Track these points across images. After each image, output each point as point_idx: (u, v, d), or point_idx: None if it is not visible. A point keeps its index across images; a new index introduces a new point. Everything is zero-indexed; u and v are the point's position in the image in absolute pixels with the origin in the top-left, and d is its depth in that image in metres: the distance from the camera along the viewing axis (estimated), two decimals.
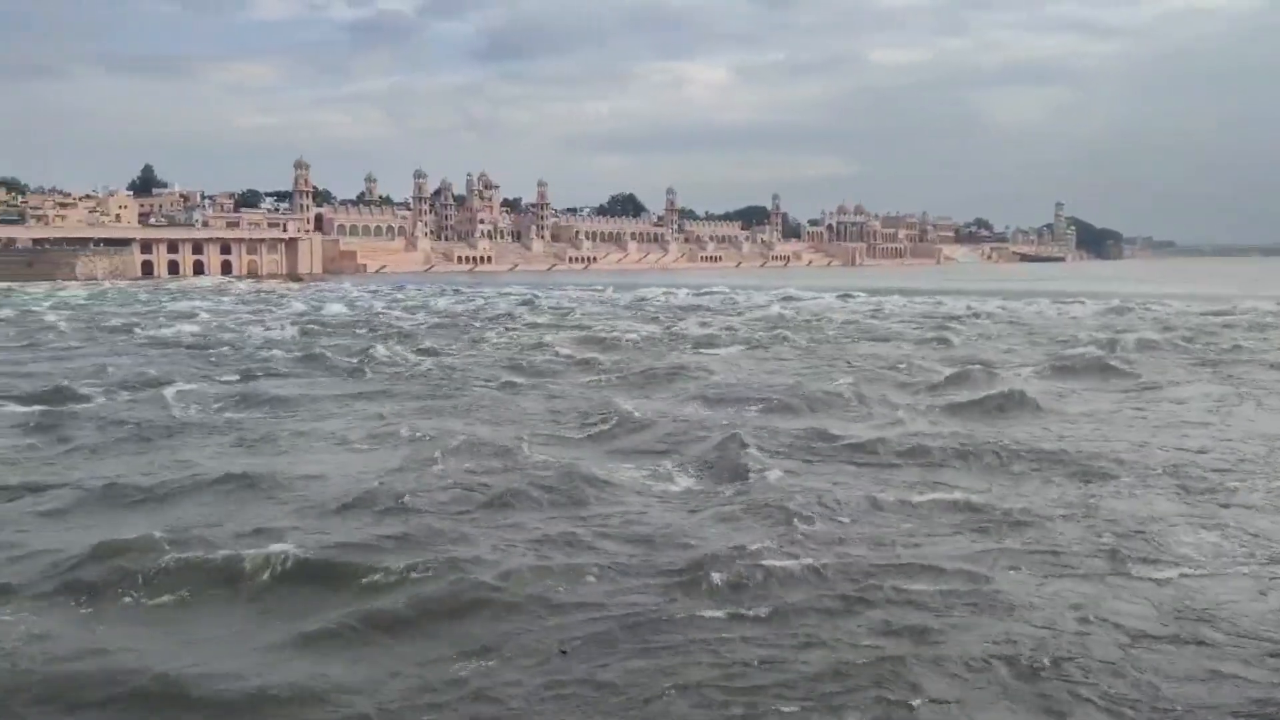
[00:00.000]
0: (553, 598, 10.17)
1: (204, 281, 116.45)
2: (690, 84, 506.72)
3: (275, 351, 35.12)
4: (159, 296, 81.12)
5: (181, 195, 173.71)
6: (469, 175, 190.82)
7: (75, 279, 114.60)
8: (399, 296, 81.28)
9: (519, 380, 27.51)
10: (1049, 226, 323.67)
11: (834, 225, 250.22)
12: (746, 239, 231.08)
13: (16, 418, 20.83)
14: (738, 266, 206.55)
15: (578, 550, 11.77)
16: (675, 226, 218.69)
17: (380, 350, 34.22)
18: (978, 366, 28.58)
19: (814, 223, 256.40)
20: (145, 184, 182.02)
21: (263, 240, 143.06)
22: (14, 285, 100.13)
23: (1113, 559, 11.40)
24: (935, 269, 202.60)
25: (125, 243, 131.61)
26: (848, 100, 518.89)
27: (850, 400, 22.90)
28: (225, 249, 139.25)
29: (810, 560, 11.10)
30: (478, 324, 50.56)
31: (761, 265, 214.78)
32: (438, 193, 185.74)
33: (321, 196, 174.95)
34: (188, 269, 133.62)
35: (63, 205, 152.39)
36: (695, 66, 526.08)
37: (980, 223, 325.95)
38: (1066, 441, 18.03)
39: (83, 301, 74.87)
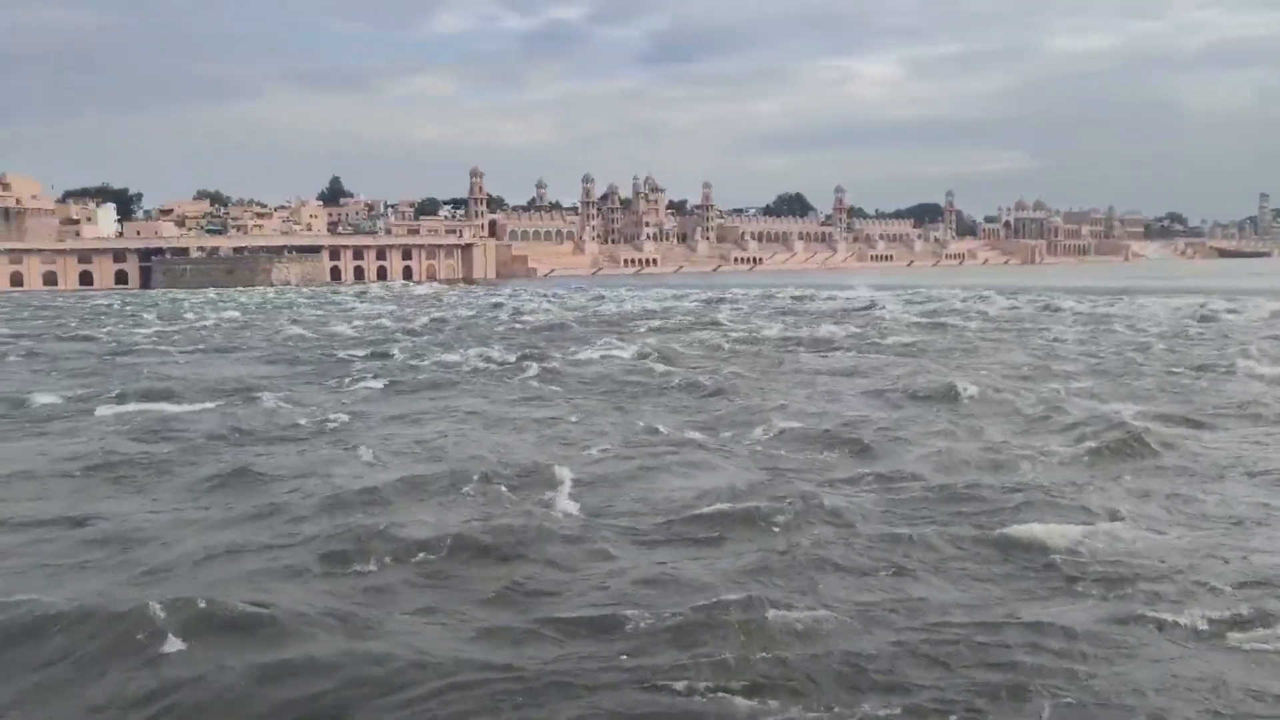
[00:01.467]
0: None
1: (375, 288, 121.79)
2: (858, 80, 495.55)
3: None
4: (342, 298, 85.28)
5: (366, 204, 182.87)
6: (635, 178, 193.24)
7: (271, 284, 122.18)
8: (587, 297, 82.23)
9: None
10: (1251, 220, 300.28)
11: (1011, 222, 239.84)
12: (918, 237, 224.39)
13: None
14: (909, 265, 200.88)
15: None
16: (844, 225, 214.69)
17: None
18: None
19: (990, 220, 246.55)
20: (333, 194, 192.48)
21: (440, 246, 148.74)
22: (218, 290, 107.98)
23: None
24: (1123, 266, 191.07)
25: (315, 250, 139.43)
26: (1026, 91, 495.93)
27: None
28: (406, 255, 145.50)
29: None
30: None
31: (934, 264, 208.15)
32: (604, 196, 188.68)
33: (495, 203, 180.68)
34: (371, 274, 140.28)
35: (260, 215, 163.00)
36: (863, 62, 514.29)
37: (1173, 217, 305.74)
38: None
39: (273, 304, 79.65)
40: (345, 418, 20.89)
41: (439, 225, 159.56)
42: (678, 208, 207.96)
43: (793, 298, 75.27)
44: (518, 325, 51.57)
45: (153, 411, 22.05)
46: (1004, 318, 50.14)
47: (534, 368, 29.41)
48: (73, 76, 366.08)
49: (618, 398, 23.75)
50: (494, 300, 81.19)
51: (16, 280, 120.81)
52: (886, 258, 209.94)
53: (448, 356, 34.04)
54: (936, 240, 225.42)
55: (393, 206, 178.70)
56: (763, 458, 16.39)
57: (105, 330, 52.20)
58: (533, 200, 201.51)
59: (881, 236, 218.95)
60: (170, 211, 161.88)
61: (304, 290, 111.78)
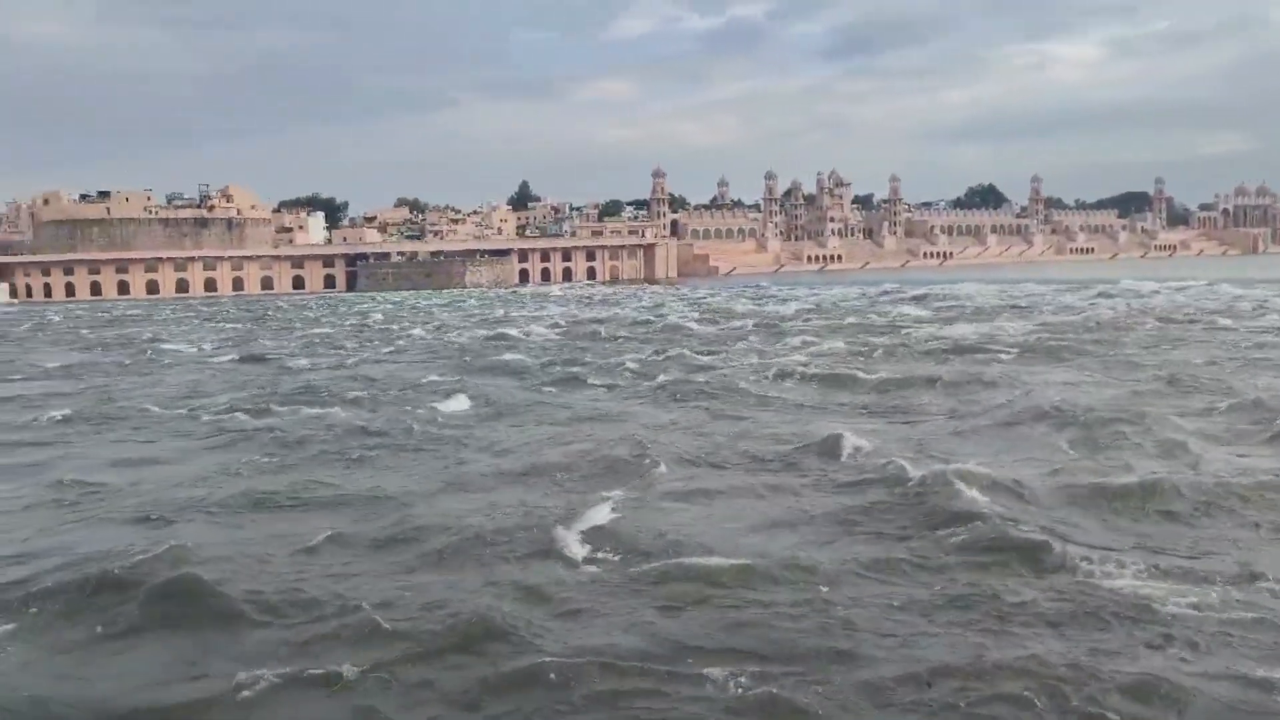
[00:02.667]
0: None
1: (555, 290, 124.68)
2: (1055, 64, 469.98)
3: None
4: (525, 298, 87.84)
5: (552, 207, 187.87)
6: (819, 174, 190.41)
7: (464, 286, 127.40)
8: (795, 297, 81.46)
9: None
10: None
11: (1230, 209, 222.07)
12: (1123, 228, 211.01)
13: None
14: (1112, 259, 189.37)
15: None
16: (1040, 217, 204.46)
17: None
18: None
19: (1205, 207, 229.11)
20: (521, 198, 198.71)
21: (623, 247, 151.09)
22: (415, 292, 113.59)
23: None
24: None
25: (505, 253, 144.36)
26: (1245, 68, 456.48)
27: None
28: (590, 256, 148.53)
29: None
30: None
31: (1142, 256, 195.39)
32: (788, 193, 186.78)
33: (677, 203, 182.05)
34: (557, 275, 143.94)
35: (454, 221, 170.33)
36: (1060, 45, 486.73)
37: None
38: None
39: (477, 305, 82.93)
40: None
41: (622, 226, 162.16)
42: (863, 203, 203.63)
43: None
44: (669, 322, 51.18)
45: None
46: None
47: (671, 370, 29.02)
48: (287, 95, 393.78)
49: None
50: (668, 297, 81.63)
51: (238, 285, 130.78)
52: (1087, 250, 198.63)
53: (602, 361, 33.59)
54: (1144, 231, 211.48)
55: (578, 209, 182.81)
56: None
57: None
58: (714, 199, 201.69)
59: (1082, 228, 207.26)
60: (373, 219, 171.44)
61: (492, 292, 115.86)
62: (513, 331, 47.17)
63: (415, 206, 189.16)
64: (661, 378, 27.15)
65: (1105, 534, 11.63)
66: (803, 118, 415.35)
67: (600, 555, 11.20)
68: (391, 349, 41.59)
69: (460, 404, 23.24)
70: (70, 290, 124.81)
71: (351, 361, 36.12)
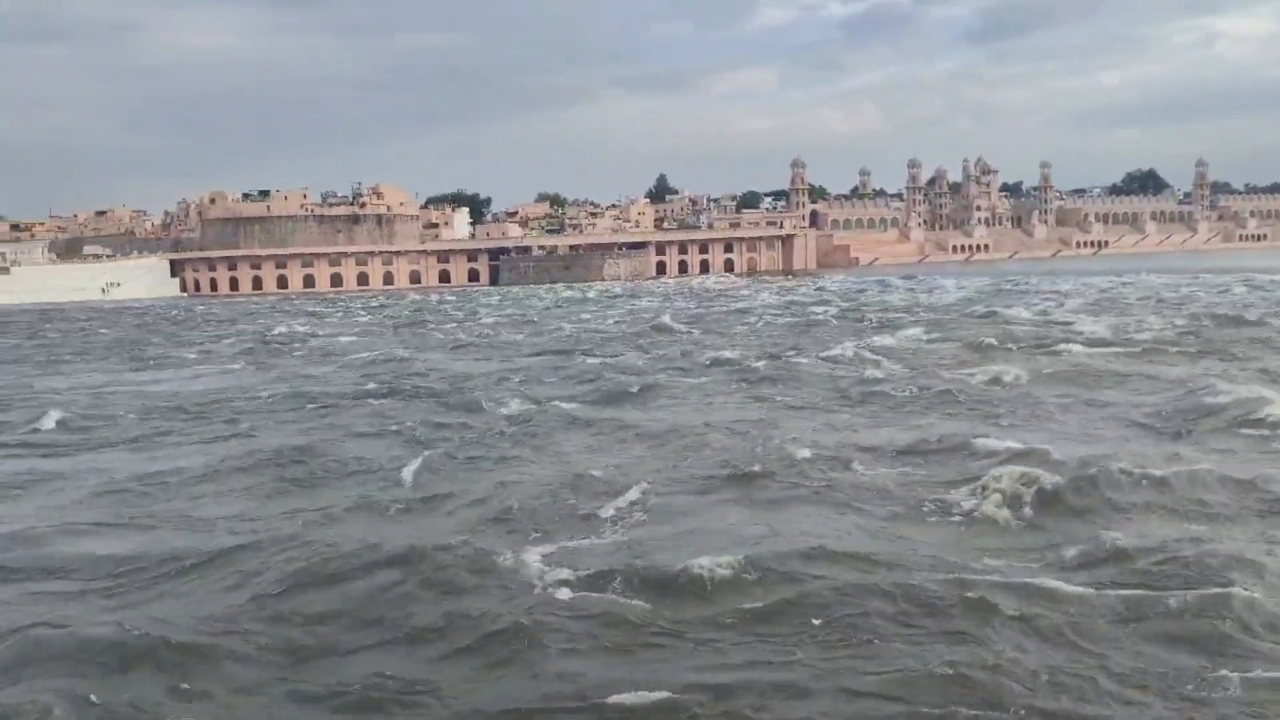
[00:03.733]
0: None
1: (709, 280, 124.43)
2: (1223, 39, 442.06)
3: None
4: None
5: (690, 200, 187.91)
6: (965, 161, 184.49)
7: (602, 279, 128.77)
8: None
9: None
10: None
11: None
12: None
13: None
14: None
15: None
16: (1206, 203, 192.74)
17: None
18: None
19: None
20: (659, 191, 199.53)
21: (761, 238, 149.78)
22: (555, 285, 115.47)
23: None
24: None
25: (642, 246, 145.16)
26: None
27: None
28: (728, 248, 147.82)
29: None
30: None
31: None
32: (931, 181, 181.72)
33: (816, 193, 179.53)
34: (694, 268, 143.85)
35: (593, 215, 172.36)
36: (1229, 19, 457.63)
37: None
38: None
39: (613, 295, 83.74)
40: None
41: (759, 218, 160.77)
42: (1012, 190, 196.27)
43: None
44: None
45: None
46: None
47: (764, 366, 28.33)
48: (433, 94, 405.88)
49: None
50: (806, 289, 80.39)
51: (388, 279, 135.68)
52: (1259, 237, 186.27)
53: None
54: None
55: (715, 201, 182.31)
56: None
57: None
58: (855, 189, 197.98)
59: (1253, 214, 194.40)
60: (515, 214, 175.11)
61: (627, 285, 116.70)
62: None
63: (555, 201, 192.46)
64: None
65: None
66: (946, 104, 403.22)
67: None
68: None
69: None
70: (234, 284, 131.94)
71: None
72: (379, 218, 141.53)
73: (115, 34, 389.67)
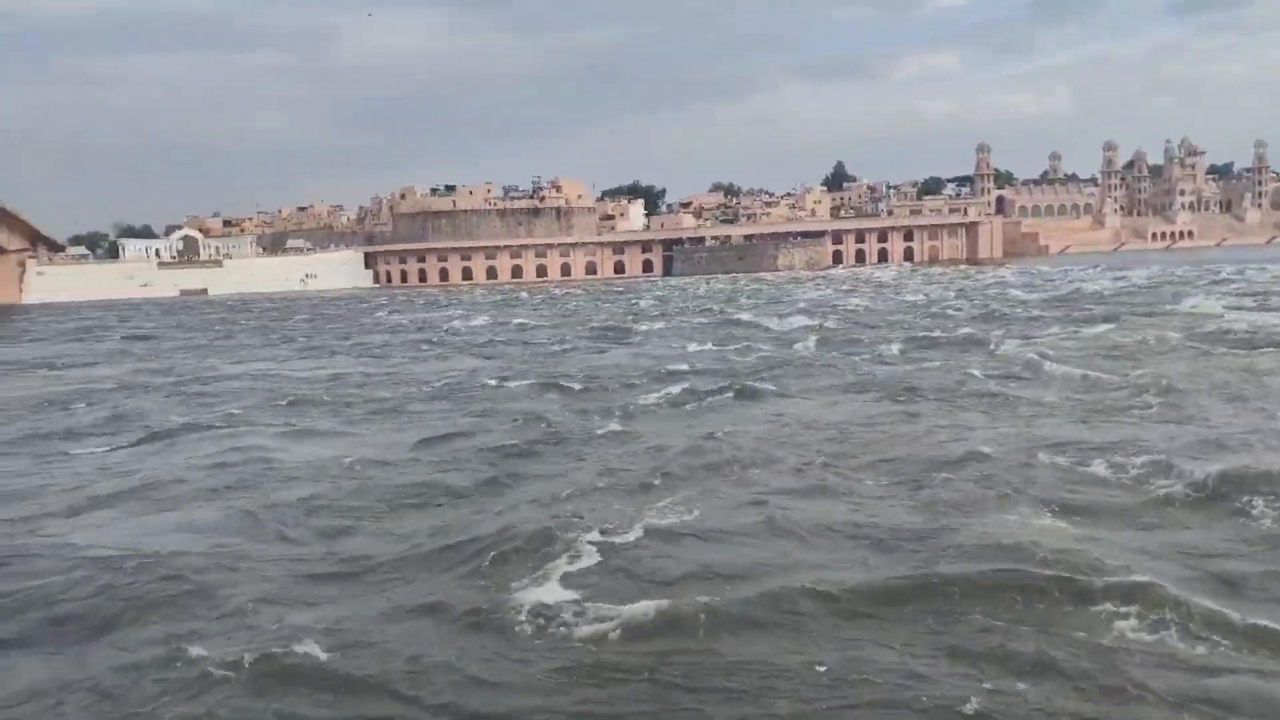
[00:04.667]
0: None
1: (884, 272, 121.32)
2: None
3: None
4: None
5: (868, 187, 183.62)
6: (1167, 142, 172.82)
7: (777, 270, 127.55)
8: None
9: None
10: None
11: None
12: None
13: None
14: None
15: None
16: None
17: None
18: None
19: None
20: (836, 179, 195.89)
21: (943, 226, 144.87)
22: (729, 276, 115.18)
23: None
24: None
25: (818, 235, 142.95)
26: None
27: None
28: (908, 236, 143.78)
29: None
30: None
31: None
32: (1129, 164, 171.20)
33: (1002, 178, 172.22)
34: (872, 257, 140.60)
35: (767, 204, 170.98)
36: None
37: None
38: None
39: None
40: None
41: (942, 205, 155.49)
42: (1220, 173, 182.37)
43: None
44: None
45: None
46: None
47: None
48: (610, 87, 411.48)
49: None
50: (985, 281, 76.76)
51: (565, 270, 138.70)
52: None
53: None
54: None
55: (895, 188, 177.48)
56: None
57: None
58: (1045, 173, 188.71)
59: None
60: (689, 204, 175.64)
61: (814, 275, 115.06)
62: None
63: (729, 191, 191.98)
64: None
65: None
66: (1145, 82, 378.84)
67: None
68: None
69: None
70: (422, 276, 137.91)
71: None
72: (558, 210, 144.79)
73: (316, 39, 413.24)
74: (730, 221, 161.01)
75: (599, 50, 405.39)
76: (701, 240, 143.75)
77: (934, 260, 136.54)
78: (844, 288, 78.52)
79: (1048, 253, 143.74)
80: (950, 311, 45.69)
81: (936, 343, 31.26)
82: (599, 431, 17.55)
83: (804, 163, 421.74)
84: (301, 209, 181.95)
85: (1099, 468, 13.35)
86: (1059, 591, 8.67)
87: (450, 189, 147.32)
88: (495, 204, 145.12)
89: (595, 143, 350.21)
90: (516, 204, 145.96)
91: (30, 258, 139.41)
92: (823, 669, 7.56)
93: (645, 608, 8.62)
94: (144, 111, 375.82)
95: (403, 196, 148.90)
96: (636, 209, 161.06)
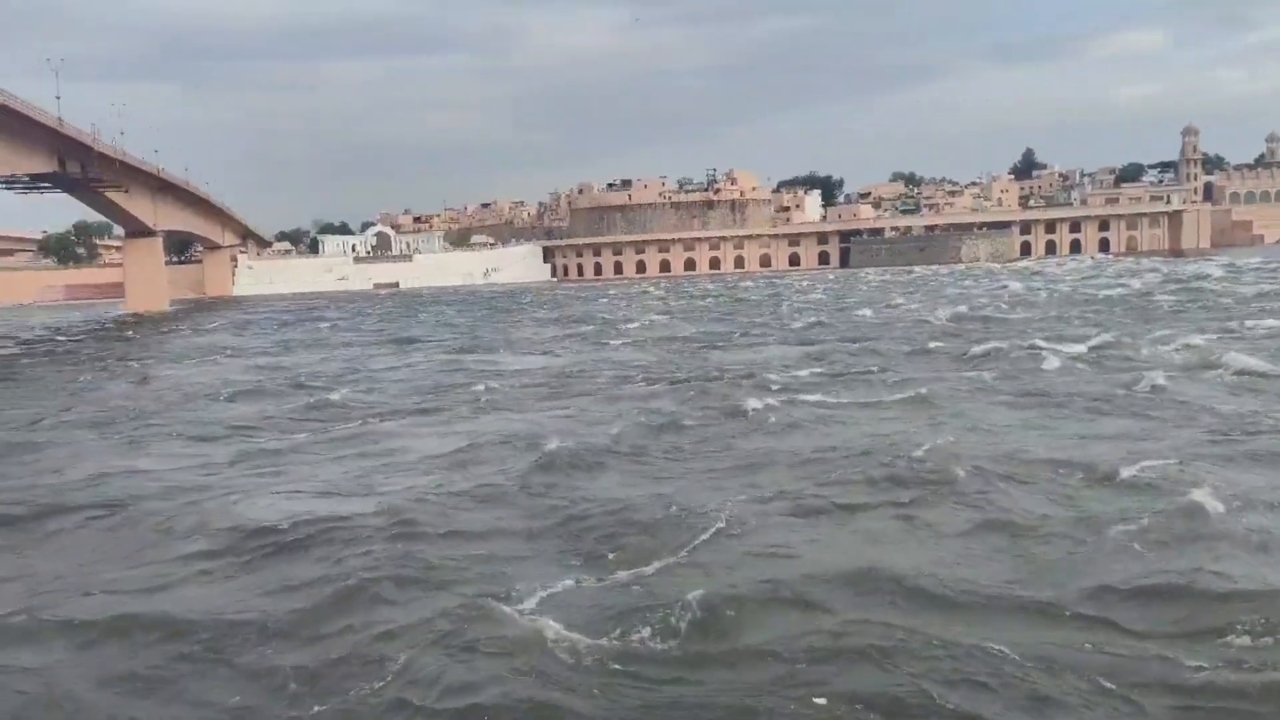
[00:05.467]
0: None
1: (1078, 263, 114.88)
2: None
3: None
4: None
5: (1060, 175, 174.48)
6: None
7: (959, 262, 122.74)
8: None
9: None
10: None
11: None
12: None
13: None
14: None
15: None
16: None
17: None
18: None
19: None
20: (1025, 167, 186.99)
21: (1142, 215, 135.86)
22: (909, 268, 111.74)
23: None
24: None
25: (1005, 225, 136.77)
26: None
27: None
28: (1104, 225, 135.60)
29: None
30: None
31: None
32: None
33: (1211, 163, 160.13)
34: (1064, 248, 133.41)
35: (950, 194, 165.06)
36: None
37: None
38: None
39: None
40: None
41: (1142, 193, 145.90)
42: None
43: None
44: None
45: None
46: None
47: None
48: (786, 77, 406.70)
49: None
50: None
51: (739, 263, 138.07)
52: None
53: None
54: None
55: (1089, 175, 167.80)
56: None
57: None
58: (1260, 157, 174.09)
59: None
60: (867, 195, 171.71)
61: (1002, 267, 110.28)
62: None
63: (910, 181, 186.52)
64: None
65: None
66: None
67: None
68: None
69: None
70: (597, 269, 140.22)
71: None
72: (732, 203, 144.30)
73: (497, 39, 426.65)
74: (911, 212, 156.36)
75: (777, 40, 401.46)
76: (880, 231, 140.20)
77: (1132, 251, 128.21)
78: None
79: (1263, 242, 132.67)
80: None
81: None
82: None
83: (990, 150, 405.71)
84: (485, 205, 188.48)
85: None
86: None
87: (626, 183, 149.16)
88: (670, 197, 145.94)
89: (772, 134, 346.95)
90: (691, 197, 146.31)
91: (241, 252, 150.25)
92: None
93: None
94: (341, 114, 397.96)
95: (580, 192, 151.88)
96: (813, 200, 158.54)
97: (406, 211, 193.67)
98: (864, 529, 11.29)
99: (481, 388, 24.84)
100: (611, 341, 38.80)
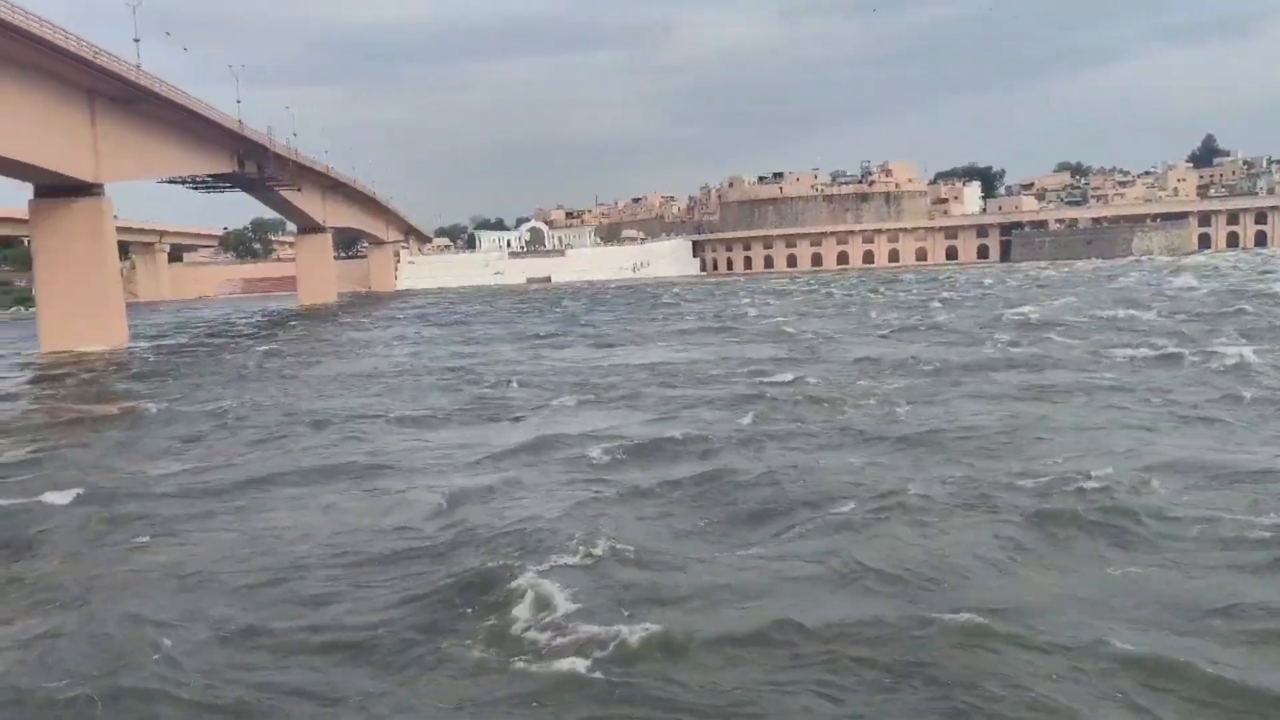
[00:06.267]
0: None
1: None
2: None
3: None
4: None
5: (1245, 162, 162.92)
6: None
7: (1130, 255, 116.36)
8: None
9: None
10: None
11: None
12: None
13: None
14: None
15: None
16: None
17: None
18: None
19: None
20: (1205, 154, 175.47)
21: None
22: (1072, 261, 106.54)
23: None
24: None
25: (1180, 216, 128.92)
26: None
27: None
28: None
29: None
30: None
31: None
32: None
33: None
34: (1247, 240, 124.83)
35: (1120, 184, 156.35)
36: None
37: None
38: None
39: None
40: None
41: None
42: None
43: None
44: None
45: None
46: None
47: None
48: (944, 66, 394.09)
49: None
50: None
51: (894, 256, 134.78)
52: None
53: None
54: None
55: (1277, 162, 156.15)
56: None
57: None
58: None
59: None
60: (1030, 186, 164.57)
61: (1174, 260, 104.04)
62: None
63: (1077, 170, 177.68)
64: None
65: None
66: None
67: None
68: None
69: None
70: (747, 263, 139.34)
71: None
72: (887, 195, 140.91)
73: (648, 35, 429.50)
74: (1077, 203, 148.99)
75: (933, 28, 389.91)
76: (1044, 224, 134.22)
77: None
78: None
79: None
80: None
81: None
82: None
83: (1165, 138, 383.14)
84: (635, 200, 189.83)
85: None
86: None
87: (777, 176, 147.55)
88: (822, 190, 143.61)
89: (929, 125, 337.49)
90: (844, 190, 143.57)
91: (403, 248, 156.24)
92: None
93: None
94: (497, 112, 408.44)
95: (730, 185, 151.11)
96: (972, 192, 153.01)
97: (559, 207, 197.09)
98: None
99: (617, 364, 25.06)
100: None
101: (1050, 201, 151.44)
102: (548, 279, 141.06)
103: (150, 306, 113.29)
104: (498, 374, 29.96)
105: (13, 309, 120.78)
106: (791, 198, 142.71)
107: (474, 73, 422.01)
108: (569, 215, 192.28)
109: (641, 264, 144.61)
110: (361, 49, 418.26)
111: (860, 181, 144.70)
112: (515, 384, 27.17)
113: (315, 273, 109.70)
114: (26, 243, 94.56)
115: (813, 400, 21.38)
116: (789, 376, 25.38)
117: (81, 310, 51.71)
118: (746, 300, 68.81)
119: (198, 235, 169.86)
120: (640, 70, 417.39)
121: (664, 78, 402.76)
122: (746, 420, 19.33)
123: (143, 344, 52.93)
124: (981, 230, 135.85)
